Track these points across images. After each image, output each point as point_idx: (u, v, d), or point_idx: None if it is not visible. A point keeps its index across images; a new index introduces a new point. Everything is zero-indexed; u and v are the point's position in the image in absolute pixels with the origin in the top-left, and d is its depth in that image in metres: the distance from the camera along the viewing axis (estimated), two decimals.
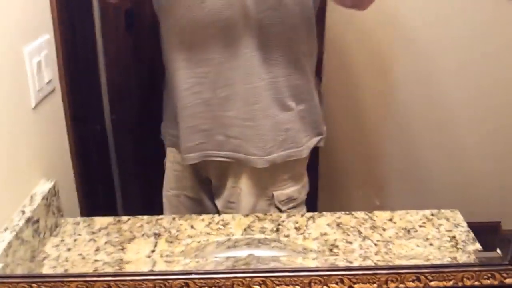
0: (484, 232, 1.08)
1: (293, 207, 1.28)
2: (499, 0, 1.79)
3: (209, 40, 1.13)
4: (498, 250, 0.93)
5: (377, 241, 1.00)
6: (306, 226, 1.04)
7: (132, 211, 1.11)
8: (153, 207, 1.44)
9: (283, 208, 1.26)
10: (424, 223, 1.05)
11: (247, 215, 1.08)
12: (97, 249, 0.99)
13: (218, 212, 1.31)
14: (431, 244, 0.99)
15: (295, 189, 1.27)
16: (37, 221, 0.96)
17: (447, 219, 1.06)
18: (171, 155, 1.33)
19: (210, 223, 1.06)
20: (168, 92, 1.27)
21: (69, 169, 1.14)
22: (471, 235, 1.02)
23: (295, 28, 1.16)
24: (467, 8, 1.79)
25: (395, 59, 1.86)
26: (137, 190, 1.67)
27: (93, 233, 1.03)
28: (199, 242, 1.01)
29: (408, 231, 1.03)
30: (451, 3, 1.79)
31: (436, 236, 1.01)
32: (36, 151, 1.01)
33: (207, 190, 1.34)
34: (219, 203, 1.30)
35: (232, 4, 1.09)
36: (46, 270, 0.93)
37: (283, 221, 1.06)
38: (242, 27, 1.11)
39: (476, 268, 0.83)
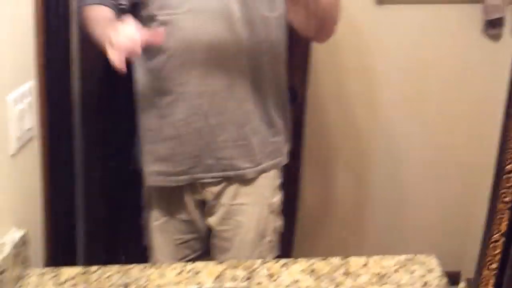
0: None
1: (279, 212, 1.38)
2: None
3: (206, 73, 1.22)
4: None
5: (351, 287, 0.99)
6: (279, 273, 1.03)
7: (101, 262, 1.09)
8: (120, 257, 1.41)
9: (277, 212, 1.37)
10: (398, 269, 1.04)
11: (220, 263, 1.06)
12: None
13: (209, 230, 1.36)
14: None
15: (281, 195, 1.38)
16: (3, 272, 0.93)
17: (422, 264, 1.05)
18: (152, 187, 1.34)
19: (181, 271, 1.03)
20: (155, 123, 1.29)
21: (39, 217, 1.12)
22: (444, 280, 1.00)
23: (278, 56, 1.30)
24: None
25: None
26: (106, 241, 1.64)
27: (59, 284, 1.00)
28: None
29: (382, 277, 1.01)
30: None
31: (409, 282, 1.00)
32: (10, 198, 0.99)
33: (200, 210, 1.36)
34: (213, 220, 1.34)
35: (229, 38, 1.20)
36: None
37: (256, 268, 1.04)
38: (237, 59, 1.23)
39: None
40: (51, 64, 1.09)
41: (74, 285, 1.00)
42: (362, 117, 1.91)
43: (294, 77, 1.59)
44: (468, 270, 0.86)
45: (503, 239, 0.65)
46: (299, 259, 1.06)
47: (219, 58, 1.22)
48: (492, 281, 0.68)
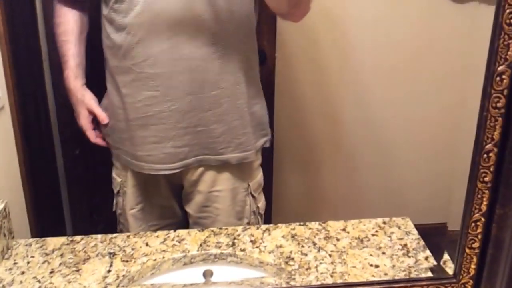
0: (432, 234, 1.12)
1: (260, 192, 1.35)
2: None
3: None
4: (446, 254, 0.97)
5: (331, 251, 1.02)
6: (261, 239, 1.05)
7: (83, 230, 1.09)
8: (104, 224, 1.40)
9: (255, 194, 1.32)
10: (376, 231, 1.08)
11: (202, 230, 1.08)
12: (52, 271, 0.97)
13: (186, 216, 1.33)
14: (383, 253, 1.01)
15: (261, 174, 1.34)
16: None
17: (399, 227, 1.09)
18: (127, 172, 1.29)
19: (165, 239, 1.05)
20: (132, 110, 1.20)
21: (19, 189, 1.11)
22: (422, 242, 1.04)
23: (247, 37, 1.20)
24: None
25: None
26: (87, 208, 1.63)
27: (47, 254, 1.01)
28: (154, 260, 1.01)
29: (361, 240, 1.05)
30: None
31: (388, 245, 1.04)
32: None
33: (176, 195, 1.33)
34: (191, 208, 1.31)
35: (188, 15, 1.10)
36: None
37: (238, 235, 1.06)
38: (202, 40, 1.12)
39: (425, 283, 0.85)
40: (14, 33, 1.04)
41: (62, 255, 1.01)
42: (333, 78, 1.90)
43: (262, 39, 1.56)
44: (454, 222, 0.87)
45: (483, 219, 0.68)
46: (279, 225, 1.09)
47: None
48: (475, 260, 0.71)
